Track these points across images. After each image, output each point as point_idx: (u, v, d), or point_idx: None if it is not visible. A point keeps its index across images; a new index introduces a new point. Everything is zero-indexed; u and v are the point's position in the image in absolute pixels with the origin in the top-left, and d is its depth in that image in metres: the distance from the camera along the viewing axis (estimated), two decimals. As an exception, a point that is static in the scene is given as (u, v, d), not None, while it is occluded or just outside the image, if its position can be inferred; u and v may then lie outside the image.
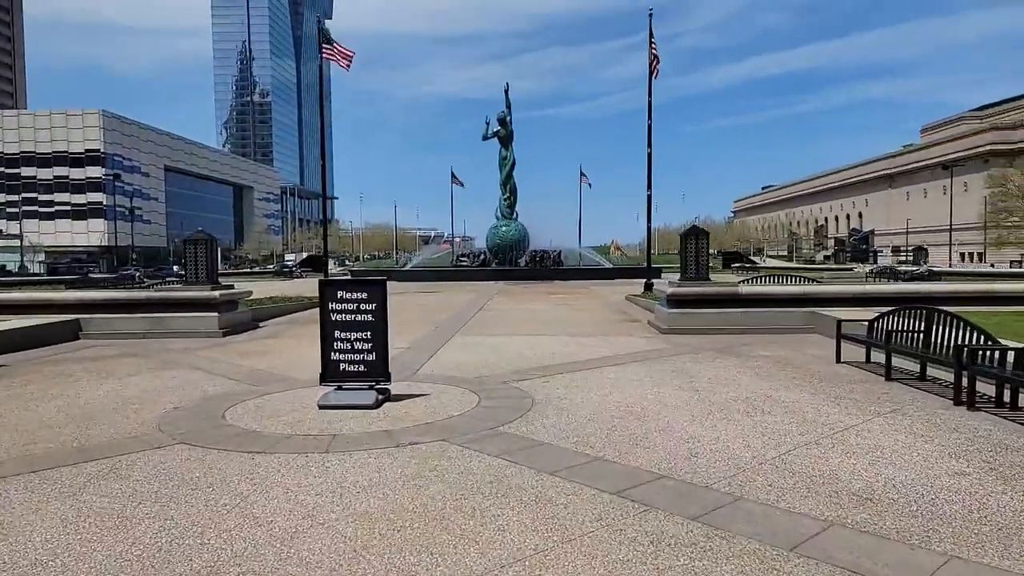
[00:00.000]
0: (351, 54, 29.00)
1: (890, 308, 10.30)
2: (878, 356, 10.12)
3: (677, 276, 15.90)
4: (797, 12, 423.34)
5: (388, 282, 8.72)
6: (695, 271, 15.30)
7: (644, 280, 29.56)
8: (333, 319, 7.99)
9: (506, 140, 50.59)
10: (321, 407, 7.71)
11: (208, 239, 15.36)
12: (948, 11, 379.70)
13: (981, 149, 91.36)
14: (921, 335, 9.01)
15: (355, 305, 7.97)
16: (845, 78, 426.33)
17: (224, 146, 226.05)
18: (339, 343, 7.99)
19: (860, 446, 6.18)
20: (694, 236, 15.48)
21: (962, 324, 8.11)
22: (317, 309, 8.31)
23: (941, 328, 8.55)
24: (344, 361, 8.00)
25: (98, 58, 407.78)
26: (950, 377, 8.16)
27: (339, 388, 7.97)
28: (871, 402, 7.95)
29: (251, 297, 20.69)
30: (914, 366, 9.48)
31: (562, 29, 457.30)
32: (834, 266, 63.15)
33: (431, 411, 7.62)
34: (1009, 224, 69.40)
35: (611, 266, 52.51)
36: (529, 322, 17.86)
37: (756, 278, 22.58)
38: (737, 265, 78.38)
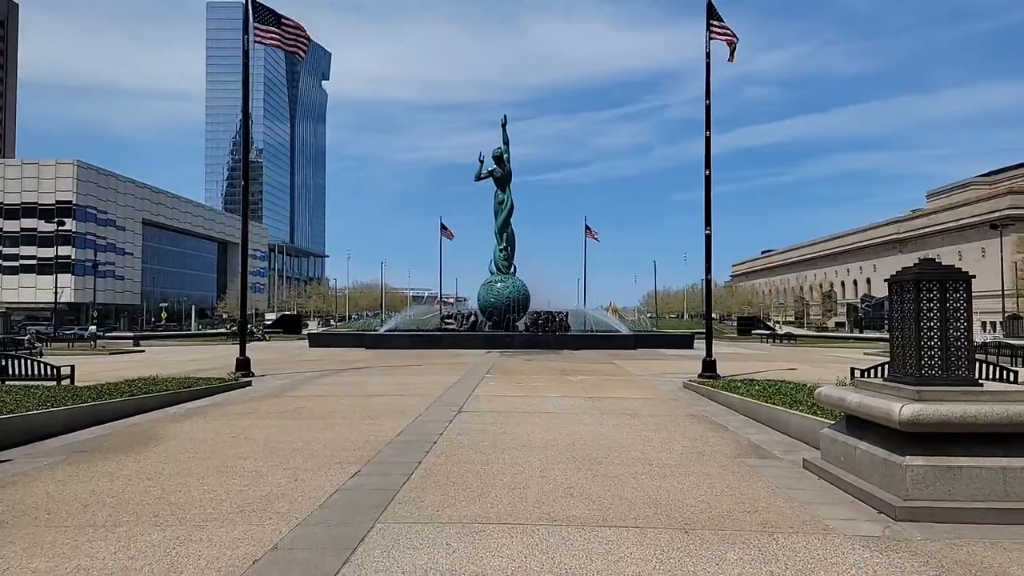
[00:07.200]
0: (301, 36, 20.77)
1: None
2: None
3: (870, 371, 7.14)
4: (781, 87, 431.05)
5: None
6: (942, 363, 6.53)
7: (701, 357, 20.56)
8: None
9: (503, 181, 42.69)
10: None
11: None
12: (921, 89, 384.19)
13: (999, 214, 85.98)
14: None
15: None
16: (825, 151, 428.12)
17: (219, 204, 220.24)
18: None
19: None
20: (936, 285, 6.65)
21: None
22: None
23: None
24: None
25: (102, 119, 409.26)
26: None
27: None
28: None
29: (118, 375, 12.04)
30: None
31: (554, 100, 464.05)
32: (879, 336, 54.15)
33: None
34: (1046, 291, 62.51)
35: (628, 332, 43.83)
36: (554, 457, 8.80)
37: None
38: (760, 332, 69.22)
